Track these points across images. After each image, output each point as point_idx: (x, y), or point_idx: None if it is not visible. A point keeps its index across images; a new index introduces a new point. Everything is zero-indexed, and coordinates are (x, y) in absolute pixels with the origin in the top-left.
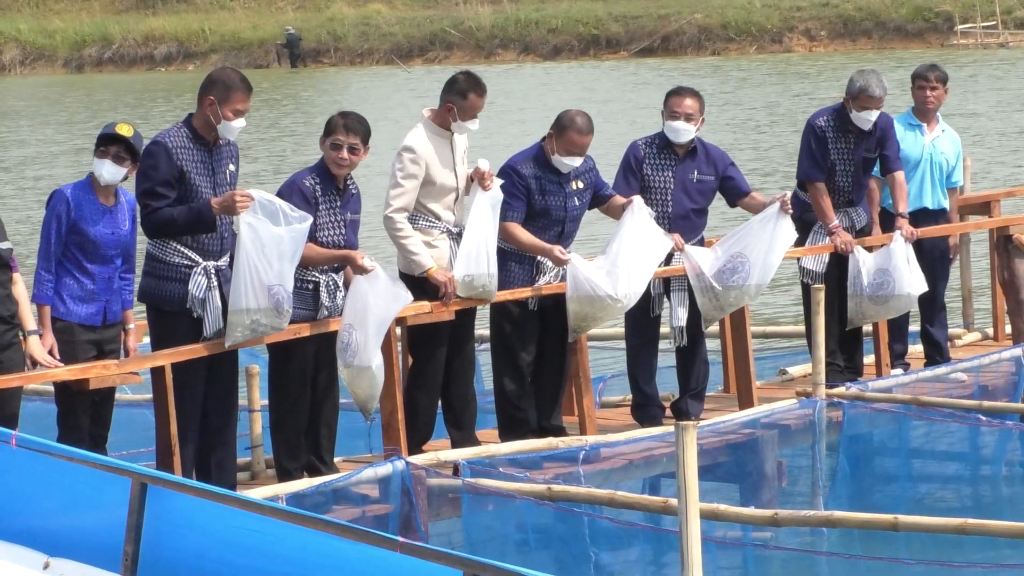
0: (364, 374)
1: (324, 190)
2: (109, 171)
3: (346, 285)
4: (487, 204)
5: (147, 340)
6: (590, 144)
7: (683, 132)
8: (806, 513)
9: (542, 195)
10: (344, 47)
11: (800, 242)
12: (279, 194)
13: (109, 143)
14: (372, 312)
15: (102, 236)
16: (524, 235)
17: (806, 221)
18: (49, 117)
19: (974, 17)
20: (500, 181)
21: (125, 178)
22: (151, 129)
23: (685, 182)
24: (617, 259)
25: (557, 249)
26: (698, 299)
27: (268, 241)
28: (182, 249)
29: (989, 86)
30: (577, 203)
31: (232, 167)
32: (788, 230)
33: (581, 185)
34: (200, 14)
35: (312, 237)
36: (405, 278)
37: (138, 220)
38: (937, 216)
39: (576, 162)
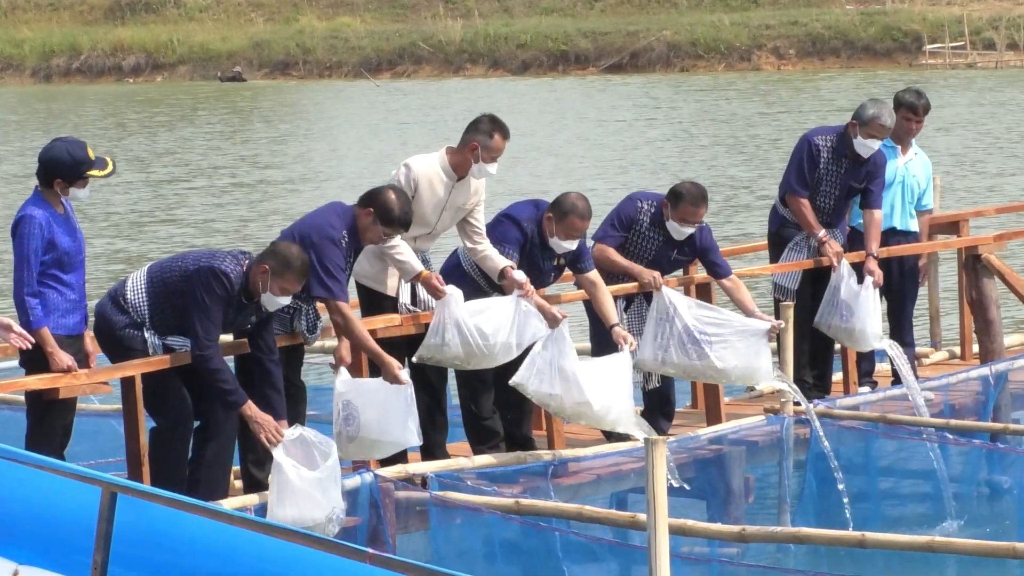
0: (362, 443)
1: (348, 249)
2: (85, 194)
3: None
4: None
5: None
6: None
7: (685, 234)
8: (773, 529)
9: (526, 261)
10: (312, 60)
11: (775, 258)
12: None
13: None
14: (379, 418)
15: (70, 246)
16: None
17: (783, 237)
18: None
19: (942, 37)
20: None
21: None
22: (117, 142)
23: (662, 259)
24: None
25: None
26: (648, 330)
27: (302, 491)
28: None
29: (957, 106)
30: (551, 279)
31: (254, 318)
32: (763, 360)
33: (562, 262)
34: (169, 25)
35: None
36: (365, 292)
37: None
38: (907, 237)
39: (573, 245)
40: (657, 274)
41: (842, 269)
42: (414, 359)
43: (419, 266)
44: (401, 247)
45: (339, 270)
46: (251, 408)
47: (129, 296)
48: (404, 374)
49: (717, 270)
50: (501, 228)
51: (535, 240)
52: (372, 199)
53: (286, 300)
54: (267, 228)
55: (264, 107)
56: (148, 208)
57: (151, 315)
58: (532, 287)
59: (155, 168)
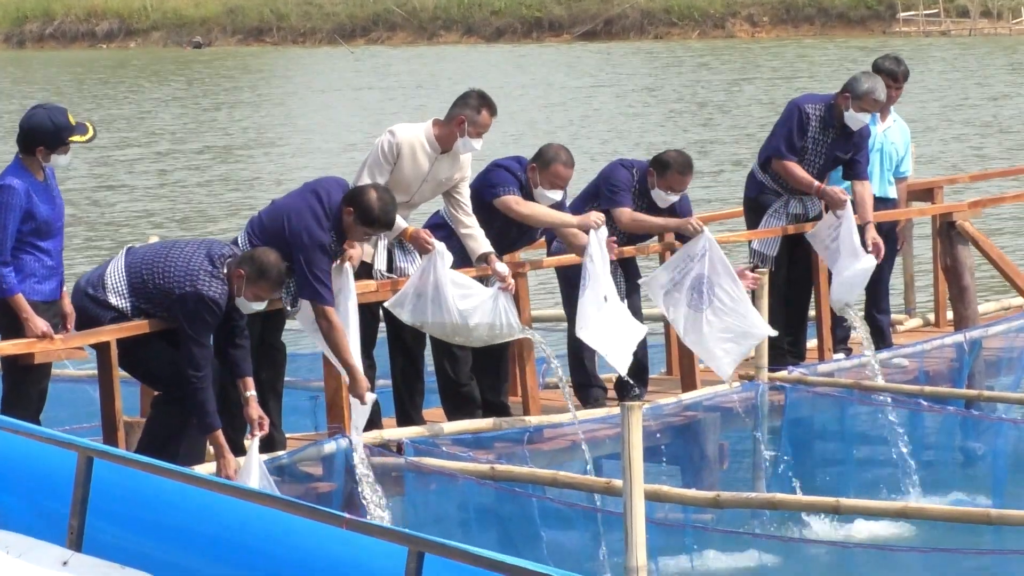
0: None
1: (336, 248)
2: (67, 161)
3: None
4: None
5: None
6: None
7: (669, 202)
8: (748, 495)
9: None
10: (286, 26)
11: (752, 224)
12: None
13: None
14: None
15: (49, 214)
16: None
17: (761, 203)
18: None
19: (916, 5)
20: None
21: None
22: (87, 105)
23: None
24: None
25: (594, 215)
26: (671, 262)
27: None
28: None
29: (930, 73)
30: (538, 233)
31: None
32: (733, 356)
33: None
34: None
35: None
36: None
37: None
38: (886, 204)
39: (558, 195)
40: (697, 219)
41: (847, 210)
42: (386, 304)
43: (403, 223)
44: None
45: (327, 275)
46: (220, 438)
47: (112, 300)
48: (370, 396)
49: None
50: (496, 173)
51: (526, 190)
52: (353, 199)
53: (260, 306)
54: (213, 195)
55: (231, 74)
56: (107, 171)
57: (137, 313)
58: (512, 281)
59: (115, 133)
